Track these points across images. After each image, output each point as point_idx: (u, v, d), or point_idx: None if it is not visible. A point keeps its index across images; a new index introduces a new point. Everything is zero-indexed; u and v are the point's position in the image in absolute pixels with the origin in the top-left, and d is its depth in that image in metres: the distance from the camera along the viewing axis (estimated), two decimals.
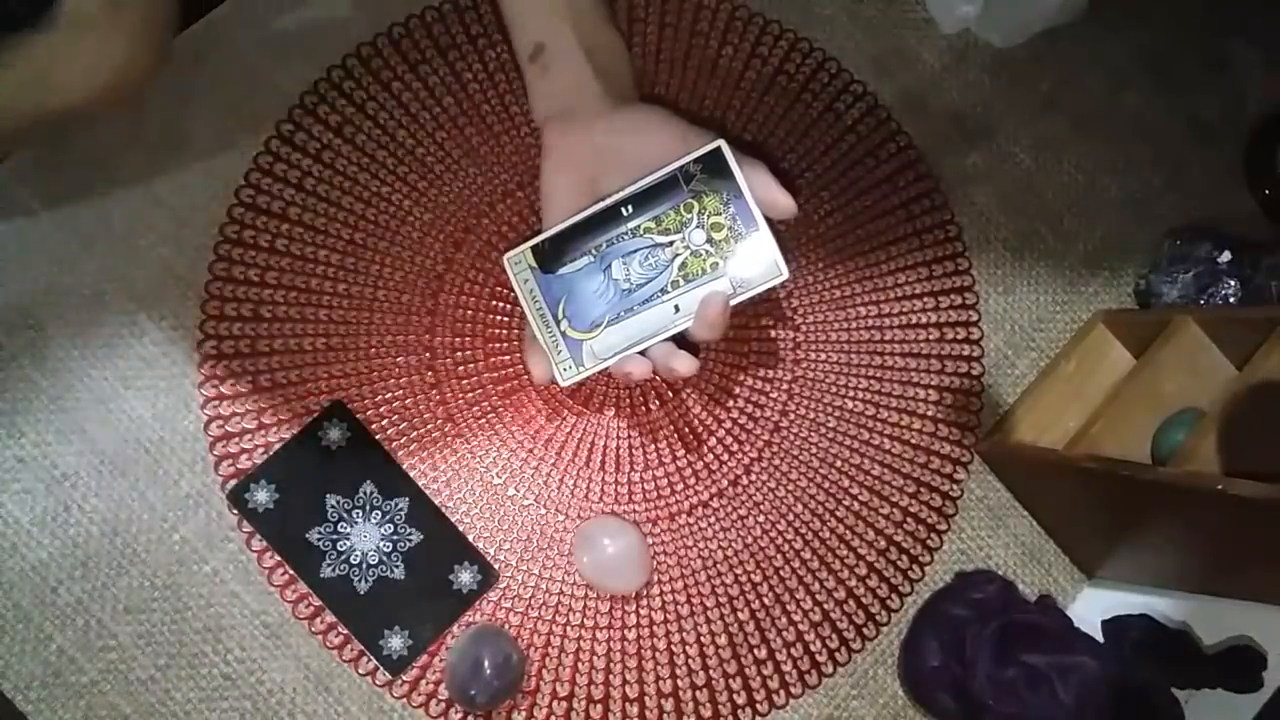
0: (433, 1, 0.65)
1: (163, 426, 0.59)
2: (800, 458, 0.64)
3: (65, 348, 0.59)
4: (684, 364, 0.55)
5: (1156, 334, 0.62)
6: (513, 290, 0.58)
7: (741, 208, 0.55)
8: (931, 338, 0.66)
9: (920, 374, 0.66)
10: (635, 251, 0.56)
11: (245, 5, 0.63)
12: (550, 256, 0.57)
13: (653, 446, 0.63)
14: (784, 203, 0.55)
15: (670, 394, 0.63)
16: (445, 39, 0.64)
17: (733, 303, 0.55)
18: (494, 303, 0.62)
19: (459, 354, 0.62)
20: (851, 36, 0.69)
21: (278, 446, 0.59)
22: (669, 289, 0.56)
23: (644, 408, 0.63)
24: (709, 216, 0.55)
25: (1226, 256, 0.67)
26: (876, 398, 0.65)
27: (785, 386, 0.65)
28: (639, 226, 0.56)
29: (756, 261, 0.55)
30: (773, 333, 0.65)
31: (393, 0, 0.64)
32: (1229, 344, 0.61)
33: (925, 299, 0.67)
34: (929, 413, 0.66)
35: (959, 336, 0.67)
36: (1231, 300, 0.66)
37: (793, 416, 0.64)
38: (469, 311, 0.62)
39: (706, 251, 0.55)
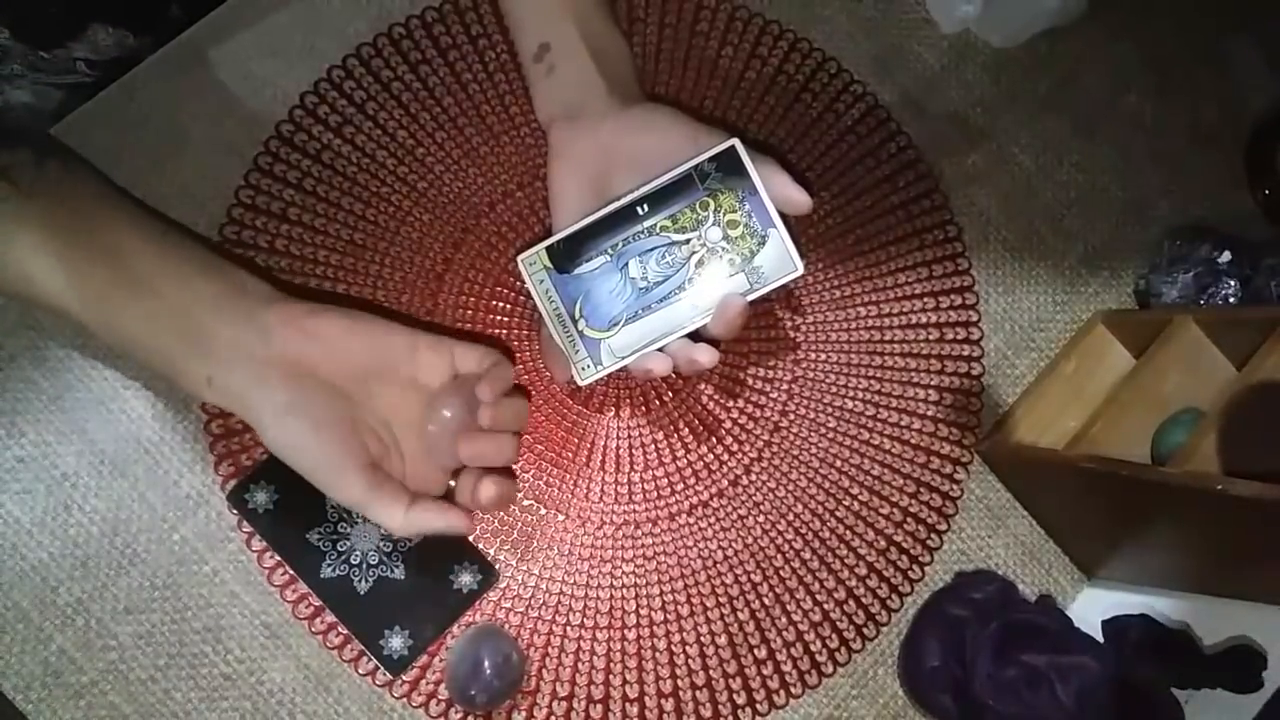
0: (433, 1, 0.65)
1: (163, 426, 0.59)
2: (800, 458, 0.64)
3: (65, 348, 0.59)
4: (705, 355, 0.56)
5: (1156, 334, 0.62)
6: (526, 291, 0.58)
7: (757, 205, 0.56)
8: (931, 338, 0.66)
9: (920, 374, 0.66)
10: (652, 250, 0.56)
11: (245, 5, 0.63)
12: (565, 256, 0.57)
13: (664, 442, 0.63)
14: (799, 198, 0.56)
15: (681, 384, 0.63)
16: (445, 39, 0.64)
17: (749, 298, 0.56)
18: (494, 303, 0.62)
19: None
20: (851, 36, 0.69)
21: None
22: (686, 286, 0.56)
23: (656, 401, 0.63)
24: (725, 214, 0.56)
25: (1226, 256, 0.67)
26: (876, 398, 0.65)
27: (785, 386, 0.65)
28: (655, 225, 0.56)
29: (773, 257, 0.56)
30: (772, 332, 0.65)
31: (393, 0, 0.64)
32: (1229, 344, 0.61)
33: (925, 299, 0.67)
34: (929, 413, 0.66)
35: (959, 337, 0.67)
36: (1231, 300, 0.66)
37: (793, 416, 0.64)
38: (468, 312, 0.62)
39: (723, 249, 0.56)
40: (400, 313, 0.61)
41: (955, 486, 0.65)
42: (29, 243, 0.50)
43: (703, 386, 0.64)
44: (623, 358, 0.57)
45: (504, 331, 0.62)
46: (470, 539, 0.60)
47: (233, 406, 0.52)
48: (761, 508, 0.63)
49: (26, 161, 0.51)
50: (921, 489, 0.65)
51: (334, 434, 0.52)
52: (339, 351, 0.53)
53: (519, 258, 0.58)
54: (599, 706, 0.60)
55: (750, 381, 0.64)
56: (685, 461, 0.63)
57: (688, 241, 0.56)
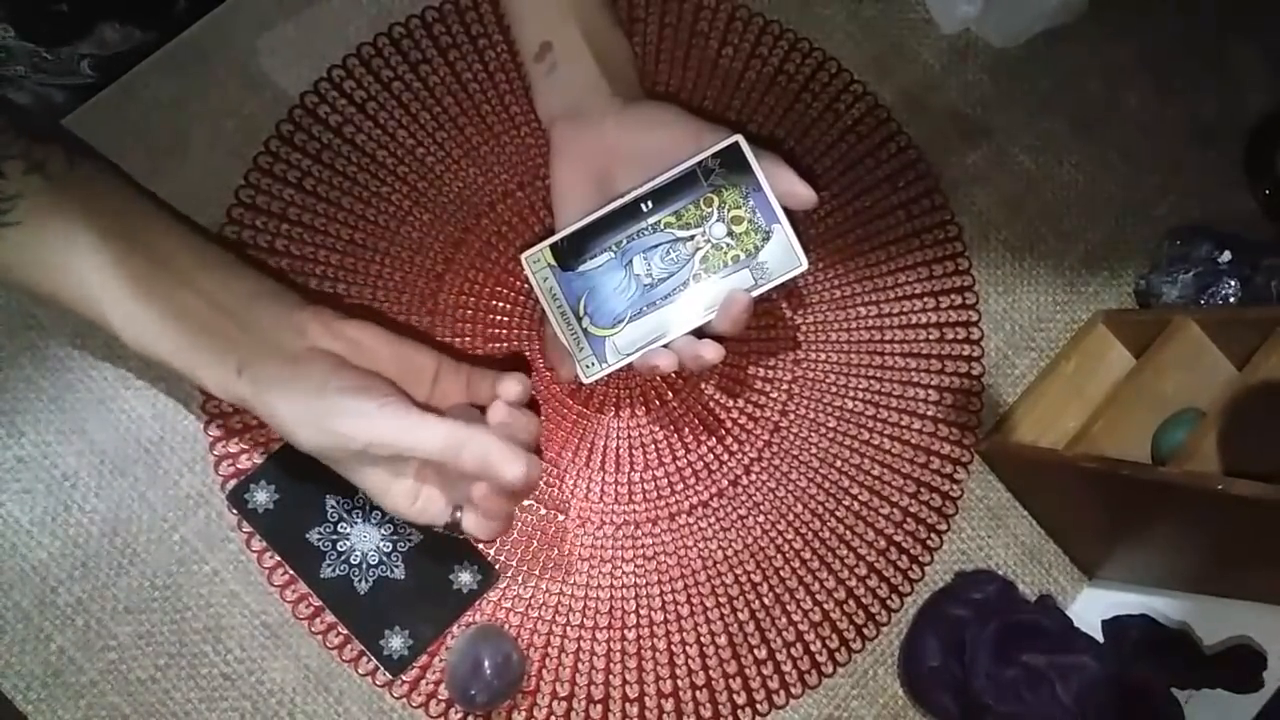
0: (433, 1, 0.65)
1: (163, 426, 0.59)
2: (800, 458, 0.64)
3: (65, 348, 0.59)
4: (711, 350, 0.56)
5: (1156, 334, 0.62)
6: (529, 289, 0.58)
7: (761, 201, 0.56)
8: (931, 338, 0.66)
9: (920, 374, 0.66)
10: (656, 246, 0.56)
11: (245, 5, 0.63)
12: (569, 254, 0.57)
13: (664, 442, 0.63)
14: (804, 194, 0.56)
15: (682, 384, 0.63)
16: (445, 39, 0.64)
17: (754, 294, 0.56)
18: (494, 303, 0.62)
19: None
20: (851, 36, 0.69)
21: (278, 446, 0.59)
22: (690, 283, 0.56)
23: (656, 401, 0.63)
24: (729, 210, 0.56)
25: (1226, 256, 0.67)
26: (876, 398, 0.65)
27: (785, 386, 0.65)
28: (659, 222, 0.56)
29: (777, 253, 0.56)
30: (772, 332, 0.65)
31: (393, 0, 0.64)
32: (1229, 344, 0.62)
33: (925, 299, 0.67)
34: (929, 413, 0.66)
35: (959, 336, 0.67)
36: (1231, 300, 0.66)
37: (793, 416, 0.64)
38: (469, 311, 0.62)
39: (727, 245, 0.56)
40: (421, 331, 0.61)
41: (955, 486, 0.65)
42: (62, 236, 0.50)
43: (703, 386, 0.64)
44: (628, 355, 0.57)
45: (504, 331, 0.62)
46: (470, 539, 0.60)
47: (262, 394, 0.51)
48: (761, 508, 0.63)
49: (58, 158, 0.51)
50: (921, 489, 0.65)
51: (393, 389, 0.52)
52: (368, 359, 0.53)
53: (522, 255, 0.58)
54: (599, 706, 0.60)
55: (750, 381, 0.64)
56: (685, 461, 0.63)
57: (692, 238, 0.56)
